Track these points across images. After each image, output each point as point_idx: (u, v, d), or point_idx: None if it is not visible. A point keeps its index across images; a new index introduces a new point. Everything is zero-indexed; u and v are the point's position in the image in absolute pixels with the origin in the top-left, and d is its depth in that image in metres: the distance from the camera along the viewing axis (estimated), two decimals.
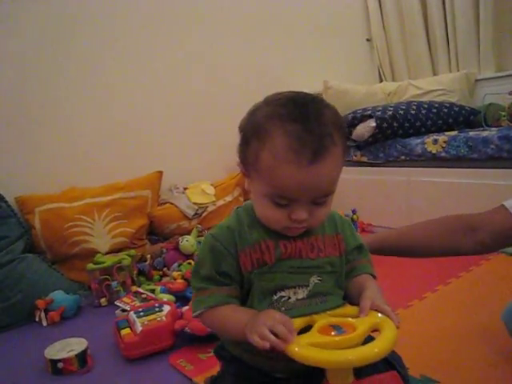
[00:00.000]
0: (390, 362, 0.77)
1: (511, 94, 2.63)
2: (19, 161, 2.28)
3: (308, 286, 0.78)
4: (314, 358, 0.61)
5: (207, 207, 2.59)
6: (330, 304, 0.78)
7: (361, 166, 2.86)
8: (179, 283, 1.99)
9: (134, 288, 2.05)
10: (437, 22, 3.31)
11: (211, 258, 0.78)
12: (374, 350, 0.61)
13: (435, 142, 2.44)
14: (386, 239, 1.17)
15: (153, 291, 2.00)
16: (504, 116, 2.59)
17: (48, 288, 2.00)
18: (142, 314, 1.64)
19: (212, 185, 2.71)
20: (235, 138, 0.79)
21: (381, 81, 3.75)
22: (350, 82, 3.34)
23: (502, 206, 1.08)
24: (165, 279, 2.19)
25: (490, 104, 2.78)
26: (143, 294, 1.97)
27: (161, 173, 2.57)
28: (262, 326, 0.65)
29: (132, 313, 1.66)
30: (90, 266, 2.08)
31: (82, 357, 1.51)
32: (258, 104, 0.76)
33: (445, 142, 2.39)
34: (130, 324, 1.62)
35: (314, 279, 0.79)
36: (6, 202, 2.15)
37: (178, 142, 2.78)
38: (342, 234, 0.85)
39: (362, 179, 2.84)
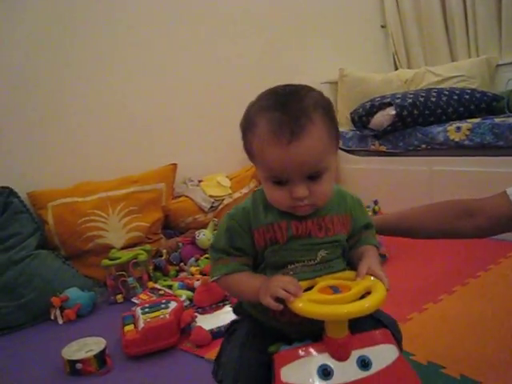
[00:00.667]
0: (384, 325, 0.87)
1: None
2: (31, 156, 2.24)
3: (316, 259, 0.86)
4: (314, 312, 0.72)
5: (223, 200, 2.53)
6: (332, 269, 0.86)
7: (380, 156, 2.78)
8: (197, 278, 1.94)
9: (151, 284, 2.00)
10: (455, 5, 3.19)
11: (227, 235, 0.88)
12: (364, 305, 0.72)
13: (458, 129, 2.35)
14: (387, 220, 1.21)
15: (170, 287, 1.96)
16: None
17: (63, 285, 1.96)
18: (147, 310, 1.60)
19: (227, 177, 2.65)
20: None
21: (396, 68, 3.65)
22: (365, 70, 3.26)
23: (504, 192, 1.08)
24: (181, 274, 2.14)
25: None
26: (160, 290, 1.93)
27: (175, 165, 2.51)
28: (274, 287, 0.76)
29: (138, 308, 1.63)
30: (106, 261, 2.03)
31: (101, 357, 1.46)
32: (252, 101, 0.85)
33: (469, 129, 2.31)
34: (134, 320, 1.58)
35: (322, 253, 0.86)
36: (18, 197, 2.11)
37: (192, 134, 2.72)
38: (351, 213, 0.92)
39: (382, 169, 2.77)
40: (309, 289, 0.80)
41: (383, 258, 2.09)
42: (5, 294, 1.88)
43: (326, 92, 2.93)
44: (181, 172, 2.56)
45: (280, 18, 3.10)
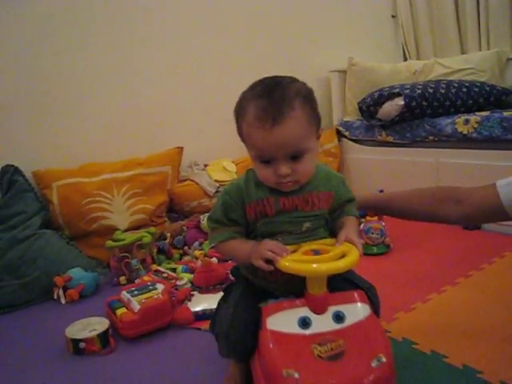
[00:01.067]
0: (361, 288, 1.00)
1: None
2: (36, 134, 2.22)
3: (301, 229, 1.00)
4: (298, 269, 0.87)
5: None
6: (315, 236, 1.00)
7: (386, 147, 2.77)
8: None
9: (155, 267, 2.01)
10: None
11: (222, 208, 1.01)
12: (340, 265, 0.86)
13: (467, 122, 2.33)
14: (379, 199, 1.29)
15: (173, 270, 1.96)
16: None
17: (66, 265, 1.96)
18: (136, 292, 1.61)
19: (233, 162, 2.64)
20: None
21: (405, 59, 3.63)
22: (374, 59, 3.23)
23: (494, 184, 1.12)
24: (185, 258, 2.14)
25: None
26: (164, 272, 1.93)
27: (181, 149, 2.50)
28: (262, 250, 0.90)
29: (124, 292, 1.63)
30: (110, 243, 2.02)
31: (104, 337, 1.46)
32: (244, 90, 0.98)
33: (477, 122, 2.29)
34: (123, 303, 1.59)
35: (307, 224, 1.00)
36: (23, 176, 2.11)
37: (199, 118, 2.71)
38: (335, 191, 1.05)
39: (388, 160, 2.75)
40: (295, 253, 0.93)
41: (387, 248, 2.09)
42: (9, 273, 1.88)
43: (335, 80, 2.94)
44: (186, 156, 2.55)
45: (289, 5, 3.07)
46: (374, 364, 0.83)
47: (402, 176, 2.65)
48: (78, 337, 1.44)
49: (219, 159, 2.63)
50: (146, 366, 1.35)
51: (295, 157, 0.92)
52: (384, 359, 0.84)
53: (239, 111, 0.96)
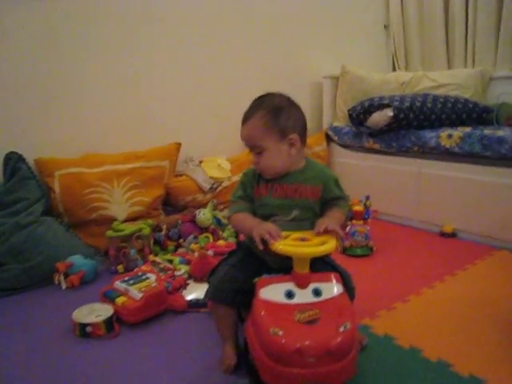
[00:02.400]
0: (339, 272, 1.25)
1: None
2: (39, 123, 2.27)
3: (290, 215, 1.25)
4: (287, 251, 1.12)
5: (222, 182, 2.61)
6: (303, 227, 1.23)
7: (373, 153, 2.91)
8: None
9: (152, 257, 2.09)
10: (457, 16, 3.30)
11: (242, 186, 1.32)
12: (320, 249, 1.12)
13: (450, 136, 2.48)
14: None
15: (170, 261, 2.05)
16: None
17: (66, 252, 2.03)
18: (132, 282, 1.72)
19: (227, 160, 2.73)
20: None
21: (394, 69, 3.77)
22: (365, 67, 3.35)
23: None
24: (180, 250, 2.23)
25: (502, 103, 2.82)
26: (160, 263, 2.02)
27: (179, 144, 2.57)
28: (262, 230, 1.15)
29: (118, 282, 1.73)
30: (110, 232, 2.10)
31: (110, 322, 1.56)
32: None
33: (460, 137, 2.43)
34: (120, 293, 1.68)
35: (295, 212, 1.26)
36: (26, 163, 2.16)
37: (195, 114, 2.79)
38: (324, 186, 1.28)
39: (374, 166, 2.89)
40: (286, 239, 1.17)
41: (370, 250, 2.23)
42: (12, 257, 1.95)
43: (327, 85, 3.10)
44: (182, 150, 2.61)
45: (285, 12, 3.15)
46: (341, 329, 1.06)
47: (385, 182, 2.80)
48: (85, 321, 1.54)
49: (214, 156, 2.72)
50: (148, 348, 1.47)
51: (258, 152, 1.23)
52: (349, 326, 1.07)
53: None
